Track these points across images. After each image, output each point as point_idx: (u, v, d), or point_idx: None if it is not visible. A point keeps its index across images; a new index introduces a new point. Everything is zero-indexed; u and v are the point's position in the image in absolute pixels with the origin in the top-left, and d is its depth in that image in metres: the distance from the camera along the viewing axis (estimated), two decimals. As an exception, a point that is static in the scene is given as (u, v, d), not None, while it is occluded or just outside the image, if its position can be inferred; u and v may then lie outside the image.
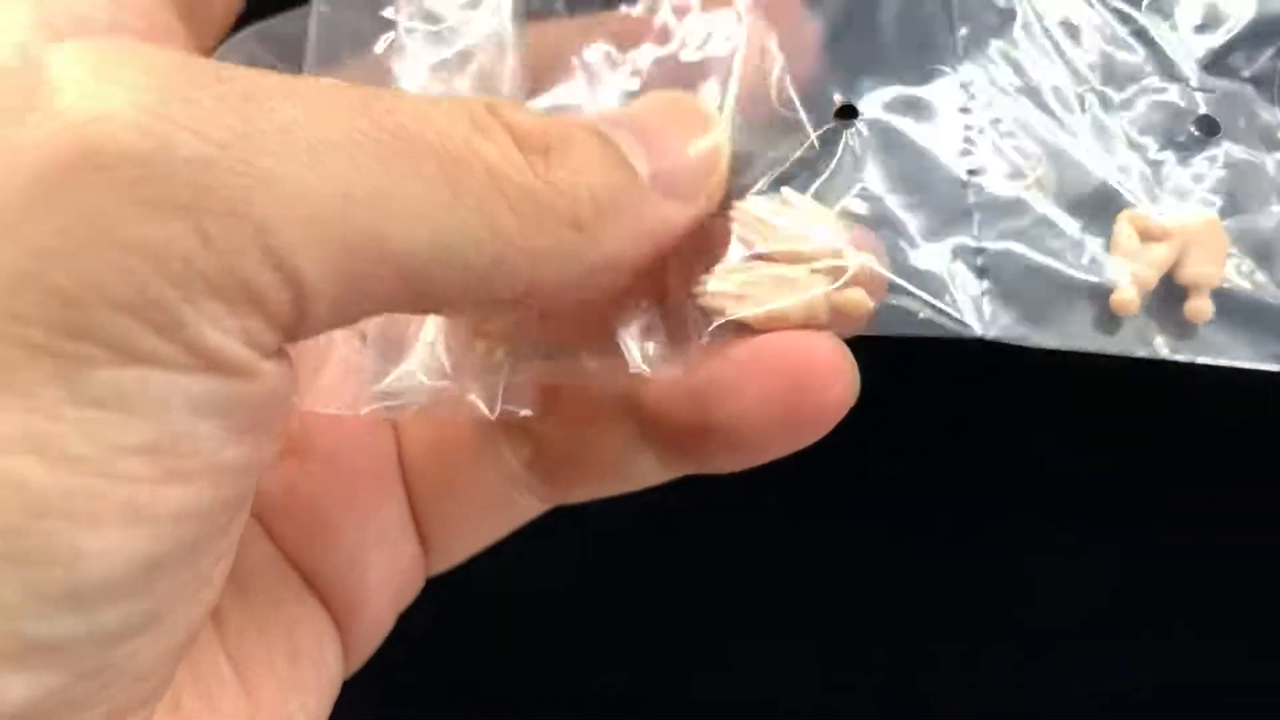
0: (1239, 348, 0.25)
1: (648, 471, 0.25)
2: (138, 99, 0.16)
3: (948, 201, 0.24)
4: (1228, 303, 0.25)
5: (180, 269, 0.16)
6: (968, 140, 0.24)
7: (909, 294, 0.23)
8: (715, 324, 0.22)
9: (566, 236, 0.20)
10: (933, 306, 0.23)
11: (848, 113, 0.24)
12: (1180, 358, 0.25)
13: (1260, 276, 0.25)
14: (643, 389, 0.23)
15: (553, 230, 0.19)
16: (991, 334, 0.23)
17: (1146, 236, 0.25)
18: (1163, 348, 0.25)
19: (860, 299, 0.22)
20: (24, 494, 0.16)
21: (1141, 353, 0.25)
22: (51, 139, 0.16)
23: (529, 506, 0.26)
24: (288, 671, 0.23)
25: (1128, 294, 0.24)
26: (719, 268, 0.22)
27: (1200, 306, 0.25)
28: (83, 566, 0.16)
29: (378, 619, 0.25)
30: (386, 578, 0.25)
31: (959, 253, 0.24)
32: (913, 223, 0.24)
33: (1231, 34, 0.26)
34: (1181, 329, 0.25)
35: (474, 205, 0.18)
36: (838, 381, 0.22)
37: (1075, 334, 0.24)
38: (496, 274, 0.19)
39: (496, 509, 0.26)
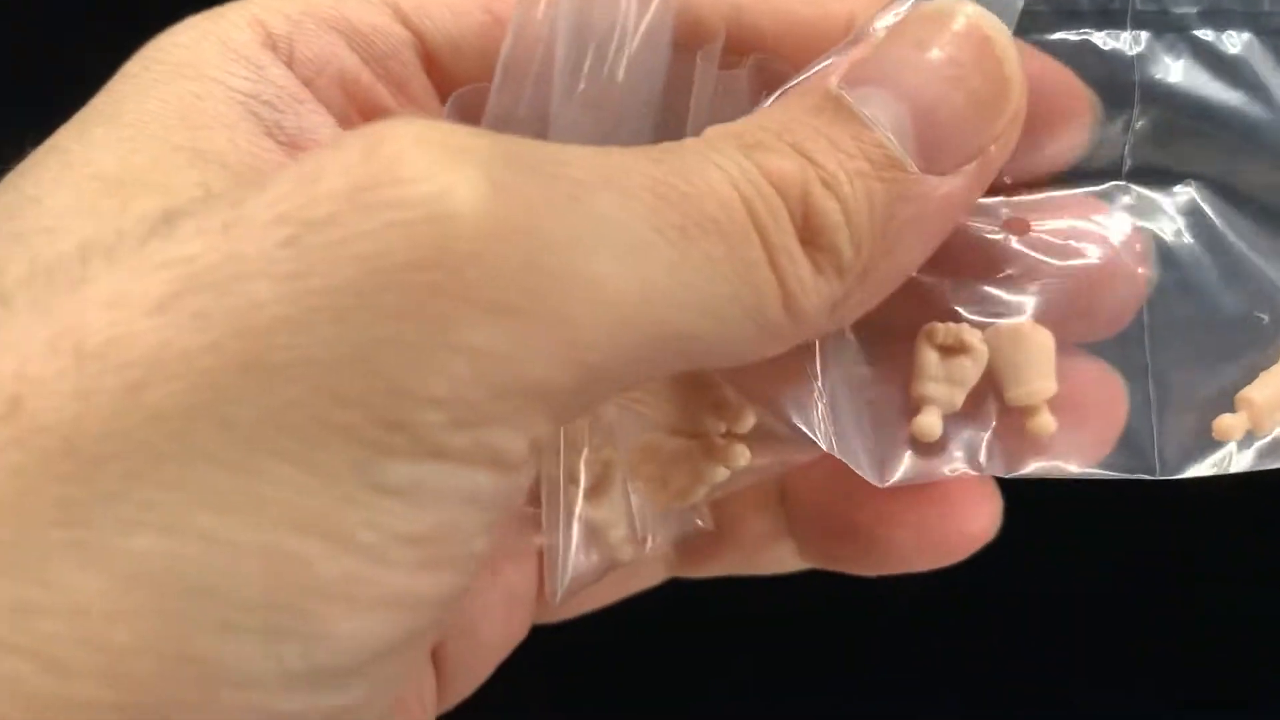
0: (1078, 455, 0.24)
1: (783, 559, 0.26)
2: (481, 197, 0.16)
3: None
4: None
5: (497, 371, 0.16)
6: None
7: None
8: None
9: (830, 288, 0.20)
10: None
11: None
12: (1024, 474, 0.24)
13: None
14: (795, 479, 0.25)
15: (817, 289, 0.19)
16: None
17: (949, 352, 0.23)
18: (998, 466, 0.24)
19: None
20: (305, 575, 0.16)
21: (989, 472, 0.24)
22: (397, 231, 0.16)
23: (652, 575, 0.27)
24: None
25: (925, 420, 0.23)
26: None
27: (1042, 423, 0.23)
28: (331, 648, 0.16)
29: (479, 671, 0.26)
30: (497, 638, 0.26)
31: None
32: None
33: None
34: (1020, 444, 0.24)
35: (749, 280, 0.19)
36: (983, 514, 0.24)
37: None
38: (763, 341, 0.20)
39: (624, 575, 0.27)
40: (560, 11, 0.21)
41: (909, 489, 0.24)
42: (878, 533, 0.24)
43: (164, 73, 0.21)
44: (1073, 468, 0.24)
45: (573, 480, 0.24)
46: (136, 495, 0.16)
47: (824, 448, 0.23)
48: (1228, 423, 0.24)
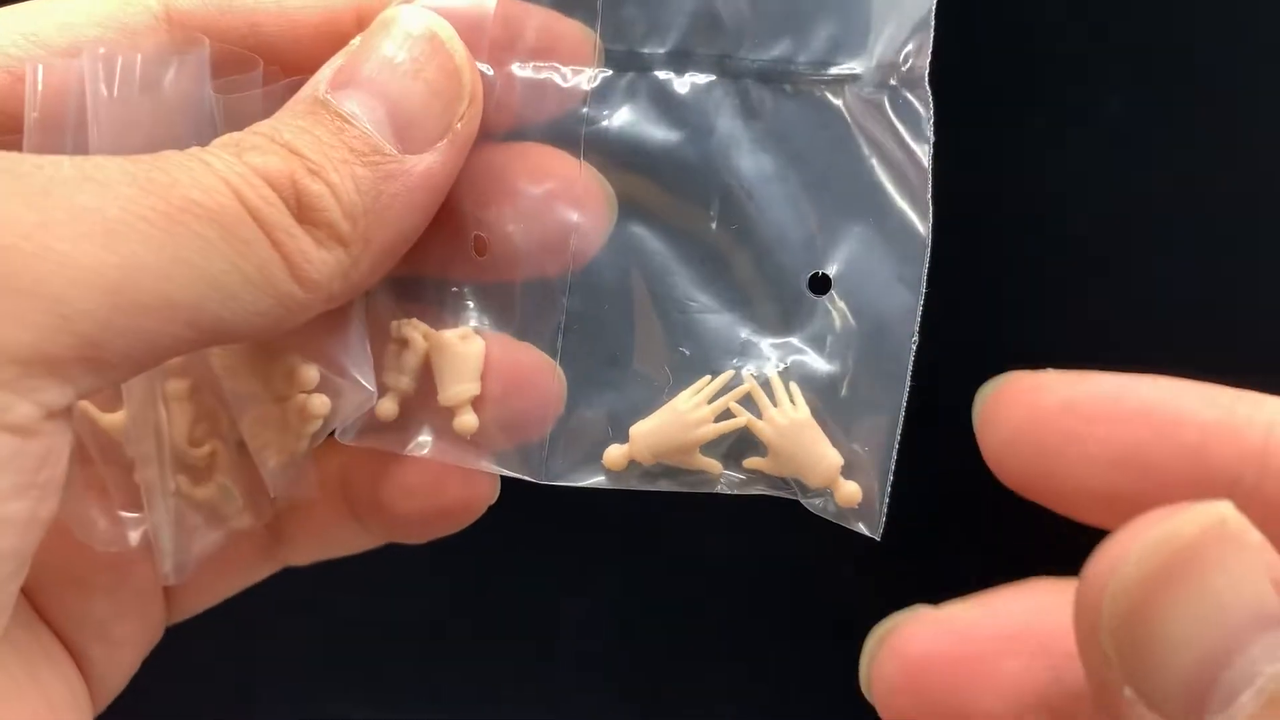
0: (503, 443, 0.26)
1: (354, 540, 0.29)
2: None
3: None
4: None
5: None
6: None
7: None
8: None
9: (335, 257, 0.22)
10: None
11: None
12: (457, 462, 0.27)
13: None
14: (350, 465, 0.28)
15: (322, 259, 0.22)
16: None
17: (401, 345, 0.27)
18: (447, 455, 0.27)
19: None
20: None
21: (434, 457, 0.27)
22: None
23: (264, 567, 0.30)
24: None
25: (381, 405, 0.26)
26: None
27: (463, 422, 0.26)
28: None
29: (124, 669, 0.28)
30: (135, 633, 0.28)
31: None
32: None
33: None
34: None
35: (250, 256, 0.21)
36: (481, 482, 0.27)
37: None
38: (283, 309, 0.22)
39: (237, 570, 0.30)
40: (85, 63, 0.24)
41: (418, 469, 0.27)
42: (396, 505, 0.28)
43: None
44: (484, 462, 0.27)
45: (180, 471, 0.27)
46: None
47: (370, 389, 0.26)
48: (615, 454, 0.26)
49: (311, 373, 0.26)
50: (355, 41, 0.24)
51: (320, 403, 0.26)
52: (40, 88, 0.24)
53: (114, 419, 0.26)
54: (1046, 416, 0.21)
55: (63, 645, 0.27)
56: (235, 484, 0.27)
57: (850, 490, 0.25)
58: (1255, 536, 0.18)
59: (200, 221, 0.21)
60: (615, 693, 0.46)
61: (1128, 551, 0.18)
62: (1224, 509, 0.18)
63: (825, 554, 0.35)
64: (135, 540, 0.26)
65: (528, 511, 0.32)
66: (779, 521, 0.27)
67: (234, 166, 0.22)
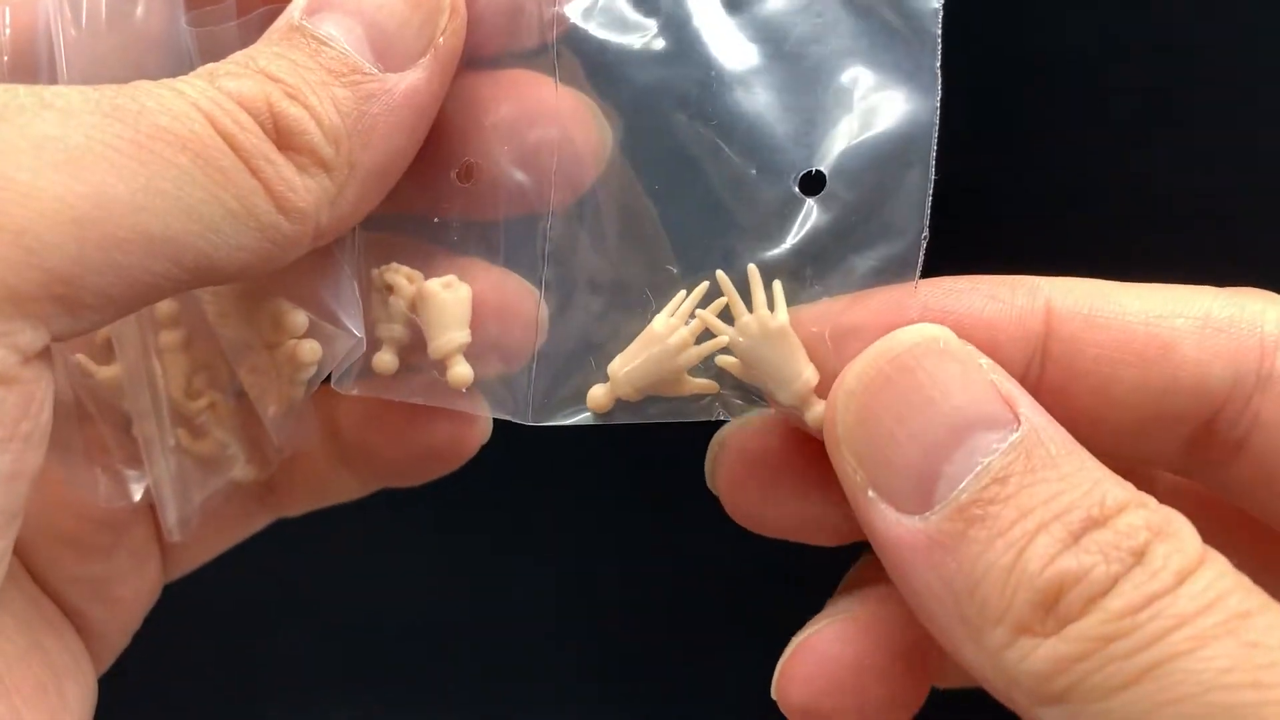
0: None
1: (347, 488, 0.29)
2: None
3: None
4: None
5: None
6: None
7: None
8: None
9: (319, 184, 0.21)
10: None
11: None
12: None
13: None
14: (341, 414, 0.28)
15: (306, 186, 0.21)
16: None
17: (388, 292, 0.25)
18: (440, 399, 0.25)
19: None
20: None
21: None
22: None
23: (258, 519, 0.30)
24: (54, 693, 0.25)
25: (379, 358, 0.25)
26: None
27: (456, 375, 0.24)
28: None
29: (125, 629, 0.28)
30: (134, 592, 0.28)
31: None
32: None
33: None
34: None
35: (228, 185, 0.20)
36: (472, 422, 0.27)
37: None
38: (269, 243, 0.21)
39: (232, 524, 0.30)
40: (50, 2, 0.23)
41: (407, 412, 0.26)
42: (386, 450, 0.27)
43: None
44: (475, 406, 0.24)
45: (179, 424, 0.26)
46: None
47: (359, 335, 0.25)
48: (598, 394, 0.23)
49: (299, 317, 0.25)
50: None
51: (310, 349, 0.25)
52: (9, 31, 0.23)
53: (111, 372, 0.26)
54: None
55: (62, 610, 0.26)
56: (238, 435, 0.26)
57: (821, 413, 0.22)
58: (973, 355, 0.20)
59: (172, 149, 0.19)
60: (616, 692, 0.45)
61: (852, 367, 0.20)
62: (938, 330, 0.20)
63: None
64: (138, 495, 0.26)
65: (528, 510, 0.30)
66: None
67: (206, 91, 0.20)
